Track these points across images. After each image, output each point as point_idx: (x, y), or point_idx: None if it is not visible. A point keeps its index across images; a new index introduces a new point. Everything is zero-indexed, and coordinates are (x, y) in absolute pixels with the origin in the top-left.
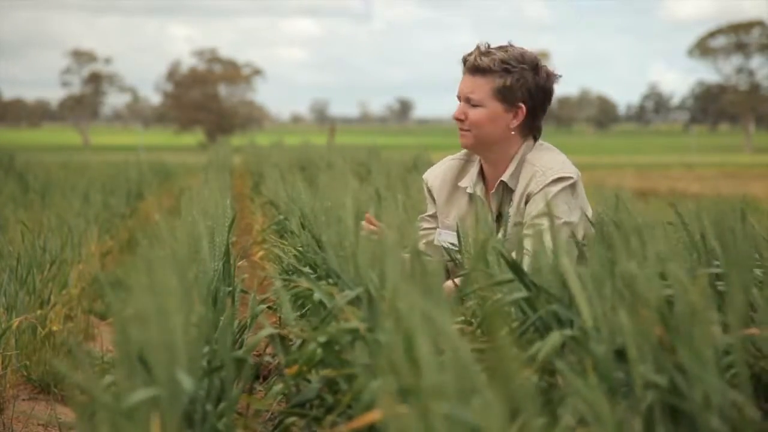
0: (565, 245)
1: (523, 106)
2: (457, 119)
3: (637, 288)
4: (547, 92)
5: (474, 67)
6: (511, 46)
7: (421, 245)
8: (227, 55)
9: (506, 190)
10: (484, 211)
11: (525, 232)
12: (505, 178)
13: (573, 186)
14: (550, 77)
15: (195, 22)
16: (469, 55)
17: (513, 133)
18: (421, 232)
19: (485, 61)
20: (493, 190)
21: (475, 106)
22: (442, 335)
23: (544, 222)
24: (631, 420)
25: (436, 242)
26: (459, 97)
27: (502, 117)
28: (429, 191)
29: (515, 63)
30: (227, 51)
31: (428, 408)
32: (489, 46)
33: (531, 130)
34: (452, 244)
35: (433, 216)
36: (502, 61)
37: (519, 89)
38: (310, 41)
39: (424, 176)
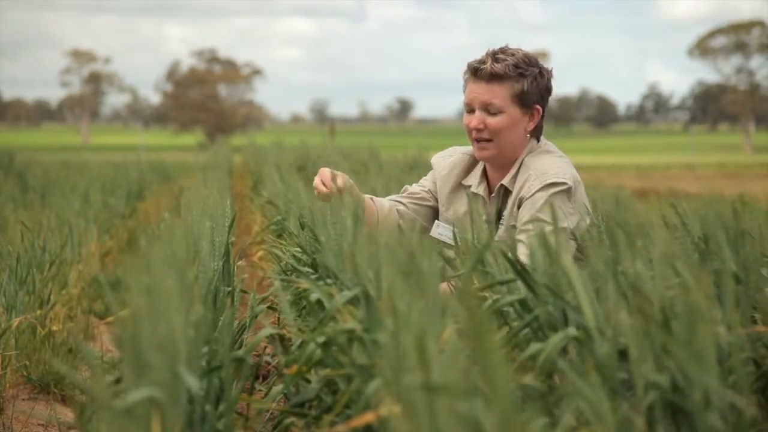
0: (565, 246)
1: (539, 108)
2: (476, 129)
3: (642, 287)
4: (551, 91)
5: (490, 74)
6: (509, 47)
7: (396, 198)
8: (225, 54)
9: (506, 193)
10: (482, 213)
11: (516, 237)
12: (505, 181)
13: (568, 191)
14: (550, 75)
15: (191, 22)
16: (481, 63)
17: (528, 136)
18: (404, 193)
19: (499, 67)
20: (493, 193)
21: (494, 113)
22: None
23: (534, 227)
24: (633, 420)
25: (432, 233)
26: (469, 107)
27: (521, 121)
28: (434, 175)
29: (526, 66)
30: (225, 51)
31: (434, 405)
32: (495, 51)
33: (537, 130)
34: (448, 238)
35: (426, 193)
36: (516, 66)
37: (534, 92)
38: (307, 41)
39: (433, 160)
